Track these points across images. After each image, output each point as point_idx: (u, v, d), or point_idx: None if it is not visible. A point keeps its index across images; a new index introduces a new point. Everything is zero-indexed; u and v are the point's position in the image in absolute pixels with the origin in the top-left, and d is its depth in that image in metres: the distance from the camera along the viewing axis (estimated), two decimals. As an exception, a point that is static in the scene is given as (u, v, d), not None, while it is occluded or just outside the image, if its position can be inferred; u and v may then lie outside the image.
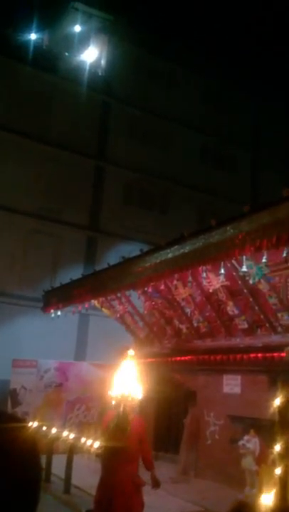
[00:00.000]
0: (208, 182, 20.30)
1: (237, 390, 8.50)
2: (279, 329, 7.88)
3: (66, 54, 19.32)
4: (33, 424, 9.94)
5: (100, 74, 19.09)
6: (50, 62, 18.29)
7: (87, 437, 7.98)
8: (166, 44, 20.03)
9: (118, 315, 11.43)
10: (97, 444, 7.45)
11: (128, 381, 5.19)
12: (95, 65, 19.29)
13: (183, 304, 9.74)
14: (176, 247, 7.33)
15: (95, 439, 7.73)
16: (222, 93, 21.56)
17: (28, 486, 0.80)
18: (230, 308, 8.53)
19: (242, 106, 21.87)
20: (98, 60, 19.52)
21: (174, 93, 20.83)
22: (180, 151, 20.41)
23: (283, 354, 6.86)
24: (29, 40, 18.56)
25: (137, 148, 19.63)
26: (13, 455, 0.78)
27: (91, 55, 19.51)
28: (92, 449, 7.46)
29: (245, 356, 8.24)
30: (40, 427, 9.54)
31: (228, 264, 7.40)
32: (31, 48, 18.11)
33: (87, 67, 18.76)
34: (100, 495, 4.75)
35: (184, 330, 10.16)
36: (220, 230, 6.28)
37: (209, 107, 21.30)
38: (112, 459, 4.77)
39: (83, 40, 19.68)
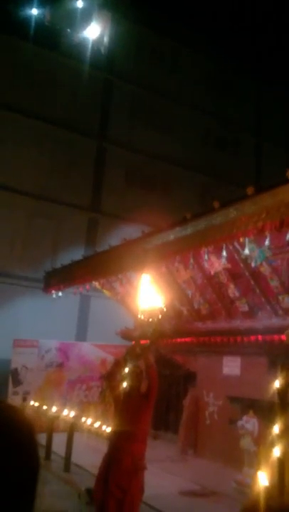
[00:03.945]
0: (210, 165, 20.14)
1: (236, 371, 8.57)
2: (280, 312, 7.89)
3: (68, 31, 18.94)
4: (34, 404, 10.06)
5: (102, 51, 18.74)
6: (52, 39, 17.95)
7: (88, 416, 8.09)
8: (169, 23, 19.66)
9: (119, 296, 11.45)
10: (97, 424, 7.55)
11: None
12: (98, 42, 18.93)
13: (184, 286, 9.74)
14: (178, 229, 7.29)
15: (95, 418, 7.83)
16: (226, 76, 21.25)
17: (27, 466, 0.79)
18: (232, 291, 8.54)
19: (245, 89, 21.58)
20: (101, 37, 19.15)
21: (177, 74, 20.51)
22: (183, 133, 20.19)
23: (283, 337, 6.87)
24: (30, 17, 18.18)
25: (139, 129, 19.42)
26: (9, 436, 0.78)
27: (93, 32, 19.13)
28: (93, 428, 7.55)
29: (245, 338, 8.28)
30: (41, 405, 9.65)
31: (230, 247, 7.37)
32: (32, 24, 17.75)
33: (90, 45, 18.42)
34: (99, 472, 4.80)
35: (185, 312, 10.19)
36: (223, 212, 6.23)
37: (213, 89, 20.99)
38: (117, 437, 4.78)
39: (85, 17, 19.27)
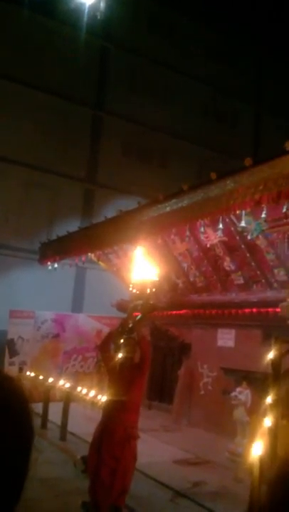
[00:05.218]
0: (208, 137, 19.81)
1: (231, 343, 8.62)
2: (275, 285, 7.88)
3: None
4: (31, 374, 10.15)
5: (98, 17, 18.16)
6: (48, 5, 17.36)
7: (83, 386, 8.16)
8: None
9: (115, 268, 11.43)
10: (92, 394, 7.62)
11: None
12: (94, 7, 18.32)
13: (180, 258, 9.70)
14: (174, 200, 7.20)
15: (90, 388, 7.90)
16: (226, 46, 20.67)
17: (21, 435, 0.78)
18: (227, 264, 8.51)
19: (246, 59, 21.05)
20: (97, 2, 18.53)
21: (175, 43, 19.94)
22: (181, 104, 19.79)
23: (278, 309, 6.88)
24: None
25: (136, 100, 19.01)
26: (3, 405, 0.76)
27: (90, -2, 18.50)
28: (88, 398, 7.62)
29: (240, 311, 8.30)
30: (37, 376, 9.73)
31: (227, 220, 7.30)
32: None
33: (86, 10, 17.83)
34: (92, 441, 4.86)
35: (180, 284, 10.18)
36: (219, 183, 6.13)
37: (212, 59, 20.45)
38: (111, 406, 4.82)
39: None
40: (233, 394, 6.70)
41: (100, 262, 11.60)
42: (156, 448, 7.24)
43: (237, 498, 5.13)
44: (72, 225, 11.99)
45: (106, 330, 12.19)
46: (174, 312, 10.06)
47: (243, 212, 6.32)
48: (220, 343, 8.87)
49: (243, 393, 6.49)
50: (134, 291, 5.18)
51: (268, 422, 4.16)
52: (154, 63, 19.37)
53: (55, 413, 8.17)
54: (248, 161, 5.67)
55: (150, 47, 19.31)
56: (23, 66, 16.68)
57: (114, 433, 4.62)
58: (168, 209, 7.30)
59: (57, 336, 12.05)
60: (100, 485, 4.65)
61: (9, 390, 0.81)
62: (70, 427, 7.88)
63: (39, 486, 5.09)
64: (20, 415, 0.79)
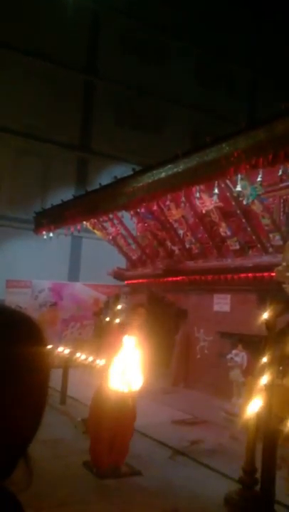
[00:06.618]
0: (204, 101, 19.46)
1: (226, 308, 8.73)
2: (270, 250, 7.92)
3: None
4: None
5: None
6: None
7: (82, 352, 8.29)
8: None
9: (110, 237, 11.43)
10: (90, 359, 7.76)
11: None
12: None
13: (175, 225, 9.70)
14: (169, 166, 7.13)
15: (88, 354, 8.03)
16: (220, 8, 20.01)
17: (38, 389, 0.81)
18: (223, 230, 8.51)
19: (241, 20, 20.44)
20: None
21: (168, 4, 19.27)
22: (175, 68, 19.36)
23: (273, 274, 6.93)
24: None
25: (129, 63, 18.56)
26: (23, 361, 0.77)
27: None
28: (86, 363, 7.76)
29: (235, 276, 8.36)
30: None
31: (222, 185, 7.27)
32: None
33: None
34: (91, 402, 4.99)
35: (176, 251, 10.22)
36: (215, 147, 6.07)
37: (207, 20, 19.84)
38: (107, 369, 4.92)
39: None
40: (229, 356, 6.83)
41: (96, 231, 11.57)
42: (155, 409, 7.42)
43: (233, 454, 5.31)
44: (67, 194, 11.91)
45: (103, 298, 12.32)
46: (171, 279, 10.13)
47: (239, 176, 6.30)
48: (216, 308, 8.97)
49: (238, 355, 6.62)
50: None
51: (263, 380, 4.26)
52: (147, 25, 18.84)
53: (54, 379, 8.31)
54: (243, 124, 5.61)
55: (142, 8, 18.70)
56: (12, 30, 16.18)
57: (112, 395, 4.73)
58: (163, 175, 7.25)
59: (54, 304, 12.15)
60: (101, 445, 4.80)
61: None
62: (69, 392, 8.04)
63: (40, 447, 5.23)
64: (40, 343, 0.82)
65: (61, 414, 7.23)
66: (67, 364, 8.32)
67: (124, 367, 4.63)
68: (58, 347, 9.09)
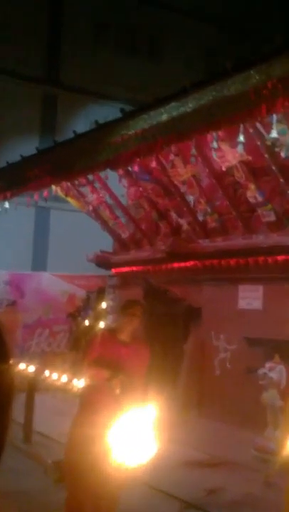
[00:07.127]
0: (220, 10, 19.30)
1: (257, 304, 8.79)
2: None
3: None
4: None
5: None
6: None
7: (53, 370, 8.35)
8: None
9: (91, 207, 11.44)
10: (64, 379, 7.82)
11: None
12: None
13: (183, 189, 9.71)
14: (173, 104, 7.09)
15: (62, 372, 8.09)
16: None
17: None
18: (252, 194, 8.54)
19: None
20: None
21: None
22: None
23: None
24: None
25: None
26: None
27: None
28: (59, 385, 7.82)
29: (270, 259, 8.41)
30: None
31: (251, 130, 7.26)
32: None
33: None
34: (68, 442, 5.06)
35: (185, 226, 10.25)
36: (239, 76, 6.03)
37: None
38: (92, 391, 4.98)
39: None
40: (261, 372, 6.89)
41: (70, 199, 11.57)
42: (159, 448, 7.50)
43: (268, 507, 5.39)
44: (28, 147, 11.86)
45: (81, 293, 12.37)
46: (177, 265, 10.17)
47: (275, 117, 6.29)
48: (242, 304, 9.03)
49: (274, 370, 6.69)
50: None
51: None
52: None
53: (15, 408, 8.37)
54: (279, 42, 5.57)
55: None
56: None
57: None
58: (164, 117, 7.22)
59: (13, 304, 12.18)
60: (81, 499, 4.85)
61: None
62: (36, 425, 8.12)
63: (-1, 501, 5.30)
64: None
65: (26, 457, 7.32)
66: (32, 387, 8.39)
67: (131, 433, 4.56)
68: (18, 363, 9.15)
